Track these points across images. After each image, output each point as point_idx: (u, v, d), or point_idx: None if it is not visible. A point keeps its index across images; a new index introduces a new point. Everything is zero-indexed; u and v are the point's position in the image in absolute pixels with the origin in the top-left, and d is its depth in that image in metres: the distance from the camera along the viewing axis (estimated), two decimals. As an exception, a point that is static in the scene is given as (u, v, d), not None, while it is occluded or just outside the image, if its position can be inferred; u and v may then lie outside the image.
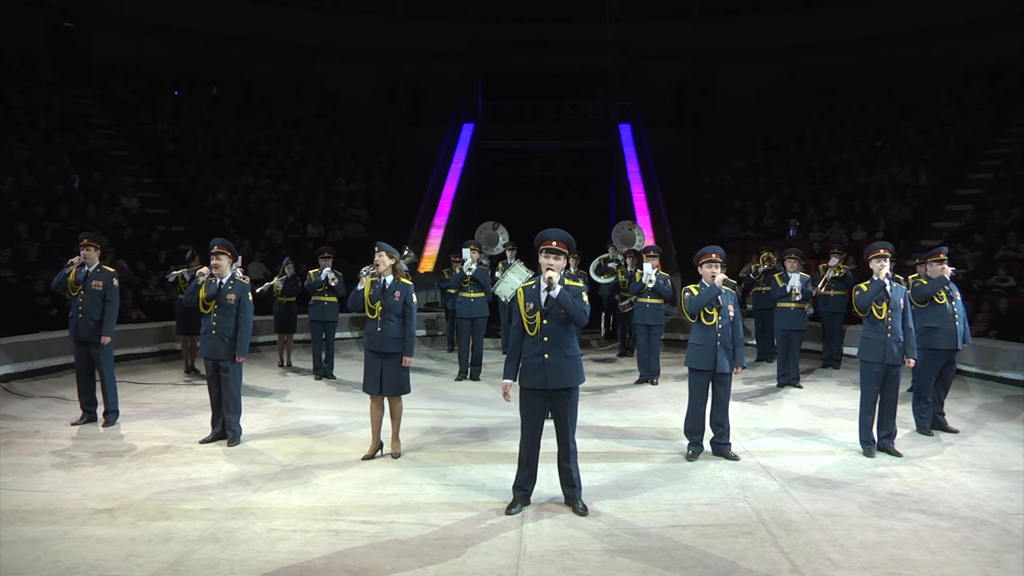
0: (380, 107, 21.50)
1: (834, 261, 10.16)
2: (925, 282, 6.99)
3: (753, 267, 11.23)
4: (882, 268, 6.20)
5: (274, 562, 4.10)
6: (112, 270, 7.15)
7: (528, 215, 14.75)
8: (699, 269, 6.14)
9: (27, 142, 14.10)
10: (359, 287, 5.97)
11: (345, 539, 4.40)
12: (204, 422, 6.71)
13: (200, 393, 7.53)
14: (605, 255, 12.21)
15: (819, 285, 9.93)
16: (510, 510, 4.82)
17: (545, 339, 4.73)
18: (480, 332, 9.60)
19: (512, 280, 8.89)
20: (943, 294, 6.89)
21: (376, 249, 5.98)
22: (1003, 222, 12.93)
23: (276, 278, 10.09)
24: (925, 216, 14.84)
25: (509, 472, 5.08)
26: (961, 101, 17.19)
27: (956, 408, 7.79)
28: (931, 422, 6.95)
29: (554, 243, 4.77)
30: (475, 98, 21.36)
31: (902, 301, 6.23)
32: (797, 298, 9.08)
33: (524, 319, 4.78)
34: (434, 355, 11.67)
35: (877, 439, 6.26)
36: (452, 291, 10.64)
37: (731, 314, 6.01)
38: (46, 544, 4.27)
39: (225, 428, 6.35)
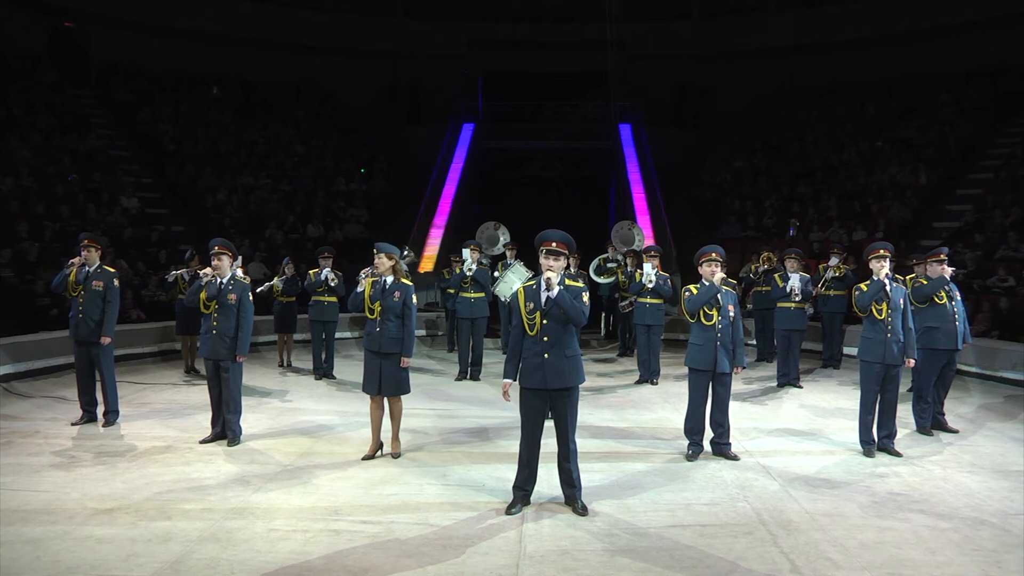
0: (380, 107, 21.50)
1: (834, 261, 10.16)
2: (925, 282, 6.99)
3: (753, 267, 11.23)
4: (882, 268, 6.20)
5: (274, 562, 4.10)
6: (113, 271, 7.15)
7: (528, 215, 14.78)
8: (699, 269, 6.15)
9: (27, 142, 14.10)
10: (359, 289, 5.97)
11: (345, 539, 4.40)
12: (204, 422, 6.71)
13: (200, 393, 7.53)
14: (605, 255, 12.21)
15: (819, 285, 9.93)
16: (510, 510, 4.82)
17: (545, 339, 4.74)
18: (480, 332, 9.60)
19: (512, 280, 8.89)
20: (943, 294, 6.90)
21: (375, 251, 5.98)
22: (1003, 222, 12.93)
23: (276, 278, 10.08)
24: (925, 216, 14.84)
25: (509, 472, 5.09)
26: (961, 101, 17.18)
27: (956, 408, 7.79)
28: (931, 422, 6.95)
29: (554, 244, 4.78)
30: (475, 98, 21.35)
31: (902, 301, 6.23)
32: (797, 298, 9.08)
33: (524, 319, 4.78)
34: (434, 355, 11.67)
35: (877, 439, 6.26)
36: (452, 291, 10.65)
37: (731, 314, 6.01)
38: (46, 544, 4.27)
39: (225, 428, 6.36)
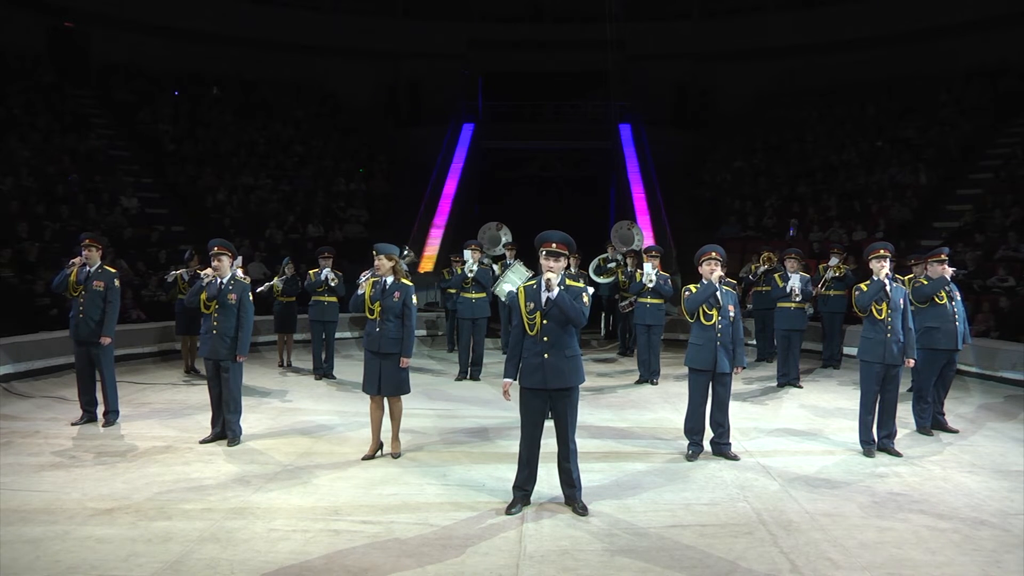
0: (380, 107, 21.51)
1: (834, 261, 10.16)
2: (925, 282, 6.99)
3: (753, 267, 11.23)
4: (882, 268, 6.20)
5: (274, 562, 4.10)
6: (113, 271, 7.14)
7: (528, 215, 14.78)
8: (699, 268, 6.15)
9: (27, 142, 14.10)
10: (359, 292, 5.97)
11: (345, 539, 4.40)
12: (204, 422, 6.71)
13: (200, 393, 7.53)
14: (604, 255, 12.21)
15: (819, 285, 9.92)
16: (510, 510, 4.82)
17: (545, 339, 4.74)
18: (481, 332, 9.60)
19: (512, 280, 8.89)
20: (943, 294, 6.90)
21: (374, 253, 5.98)
22: (1003, 222, 12.93)
23: (276, 278, 10.08)
24: (925, 216, 14.84)
25: (509, 472, 5.09)
26: (961, 101, 17.18)
27: (956, 408, 7.79)
28: (931, 422, 6.95)
29: (554, 245, 4.78)
30: (475, 98, 21.37)
31: (902, 301, 6.23)
32: (797, 298, 9.08)
33: (524, 319, 4.79)
34: (434, 355, 11.67)
35: (877, 439, 6.26)
36: (453, 291, 10.65)
37: (731, 314, 6.01)
38: (46, 544, 4.27)
39: (225, 428, 6.36)
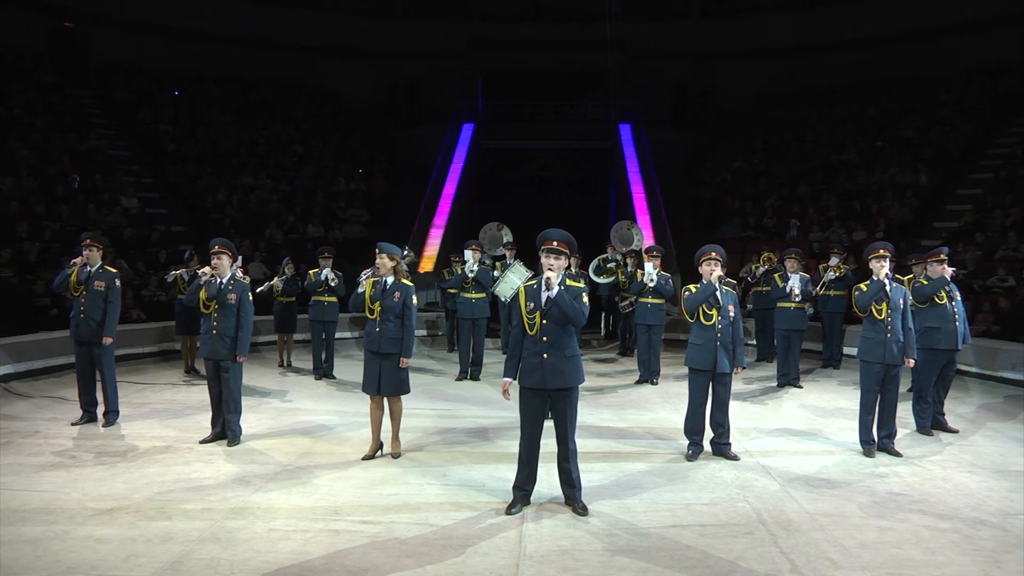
0: (380, 107, 21.52)
1: (834, 261, 10.15)
2: (925, 282, 6.99)
3: (753, 267, 11.23)
4: (882, 268, 6.21)
5: (274, 562, 4.10)
6: (114, 271, 7.13)
7: (528, 215, 14.79)
8: (699, 268, 6.16)
9: (27, 142, 14.10)
10: (359, 290, 5.97)
11: (345, 539, 4.40)
12: (204, 422, 6.71)
13: (200, 393, 7.53)
14: (604, 255, 12.21)
15: (819, 286, 9.92)
16: (510, 510, 4.82)
17: (544, 339, 4.74)
18: (481, 332, 9.59)
19: (512, 280, 8.89)
20: (943, 294, 6.90)
21: (377, 251, 5.98)
22: (1003, 222, 12.94)
23: (276, 278, 10.09)
24: (925, 216, 14.84)
25: (509, 472, 5.09)
26: (961, 101, 17.18)
27: (956, 408, 7.79)
28: (931, 422, 6.95)
29: (555, 243, 4.78)
30: (475, 98, 21.38)
31: (902, 301, 6.24)
32: (797, 298, 9.08)
33: (524, 318, 4.79)
34: (434, 355, 11.67)
35: (877, 439, 6.26)
36: (453, 291, 10.65)
37: (731, 314, 6.02)
38: (46, 544, 4.27)
39: (225, 428, 6.36)
